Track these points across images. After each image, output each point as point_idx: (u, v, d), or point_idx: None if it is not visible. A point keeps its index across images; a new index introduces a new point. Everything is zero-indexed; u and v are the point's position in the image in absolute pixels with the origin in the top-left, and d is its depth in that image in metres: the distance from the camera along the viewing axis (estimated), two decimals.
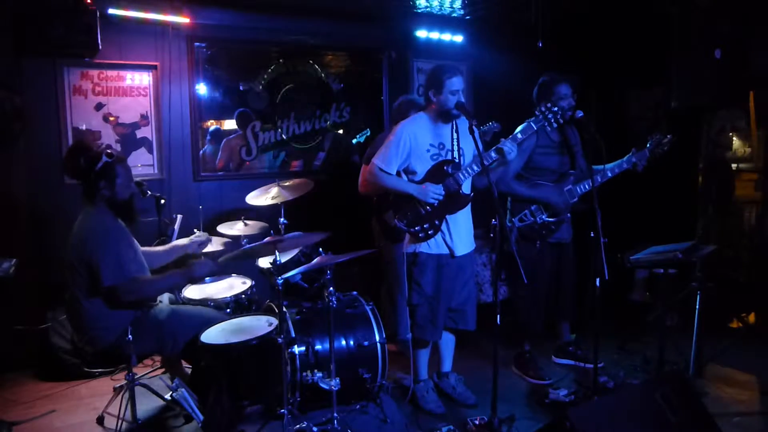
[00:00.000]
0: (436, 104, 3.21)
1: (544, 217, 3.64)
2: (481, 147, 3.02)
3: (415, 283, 3.30)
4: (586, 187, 3.65)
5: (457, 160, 3.24)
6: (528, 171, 3.71)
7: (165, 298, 3.38)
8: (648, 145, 3.67)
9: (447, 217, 3.25)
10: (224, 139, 4.90)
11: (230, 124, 4.95)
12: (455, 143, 3.26)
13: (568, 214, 3.72)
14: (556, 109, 3.16)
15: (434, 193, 3.16)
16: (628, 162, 3.66)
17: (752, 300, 4.85)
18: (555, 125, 3.21)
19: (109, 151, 2.98)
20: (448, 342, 3.55)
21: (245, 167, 4.98)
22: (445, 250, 3.29)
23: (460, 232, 3.31)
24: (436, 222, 3.23)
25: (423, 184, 3.19)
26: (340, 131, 5.39)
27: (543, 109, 3.17)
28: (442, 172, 3.22)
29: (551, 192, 3.65)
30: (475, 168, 3.19)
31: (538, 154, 3.66)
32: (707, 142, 4.44)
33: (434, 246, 3.28)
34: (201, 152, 4.77)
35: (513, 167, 3.58)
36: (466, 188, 3.28)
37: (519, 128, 3.29)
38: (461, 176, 3.20)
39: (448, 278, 3.31)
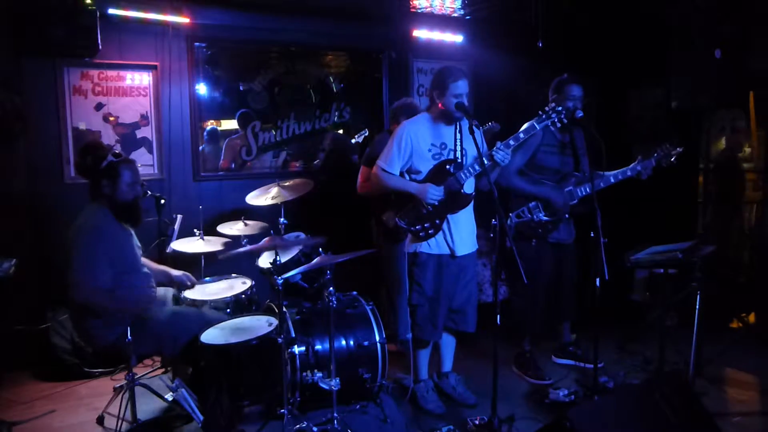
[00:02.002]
0: (438, 104, 3.23)
1: (541, 215, 3.63)
2: (482, 147, 3.01)
3: (416, 283, 3.30)
4: (587, 190, 3.64)
5: (459, 160, 3.24)
6: (530, 168, 3.70)
7: (169, 298, 3.39)
8: (655, 155, 3.65)
9: (448, 216, 3.25)
10: (227, 139, 4.91)
11: (229, 124, 4.95)
12: (458, 143, 3.26)
13: (567, 215, 3.72)
14: (560, 108, 3.16)
15: (433, 193, 3.16)
16: (633, 170, 3.64)
17: (752, 300, 4.85)
18: (558, 125, 3.20)
19: (117, 151, 3.03)
20: (448, 342, 3.55)
21: (245, 167, 4.98)
22: (446, 250, 3.29)
23: (461, 232, 3.31)
24: (437, 221, 3.23)
25: (423, 184, 3.19)
26: (340, 131, 5.39)
27: (547, 109, 3.17)
28: (443, 171, 3.22)
29: (551, 191, 3.65)
30: (477, 168, 3.19)
31: (541, 153, 3.66)
32: (707, 141, 4.44)
33: (435, 246, 3.28)
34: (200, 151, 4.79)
35: (515, 162, 3.58)
36: (468, 188, 3.28)
37: (523, 128, 3.28)
38: (463, 176, 3.20)
39: (448, 278, 3.31)
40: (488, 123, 4.21)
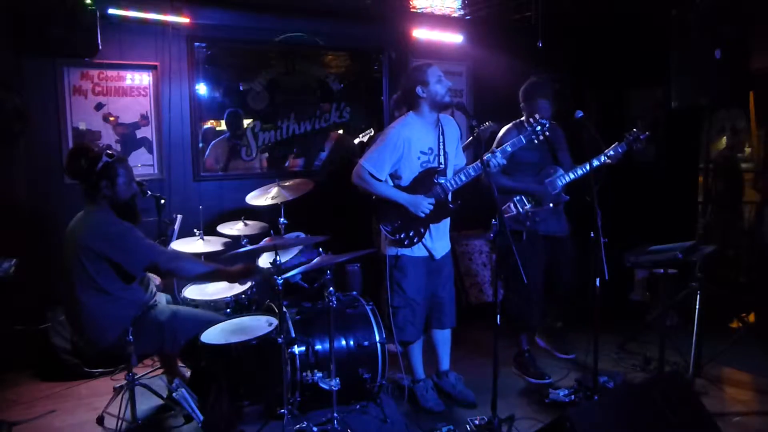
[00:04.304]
0: (428, 97, 3.20)
1: (527, 207, 3.69)
2: (459, 149, 3.06)
3: (397, 285, 3.30)
4: (566, 179, 3.69)
5: (443, 166, 3.26)
6: (511, 166, 3.74)
7: (163, 298, 3.39)
8: (625, 140, 3.69)
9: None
10: (212, 142, 4.90)
11: (211, 126, 4.96)
12: (441, 146, 3.27)
13: (551, 205, 3.74)
14: (544, 121, 3.18)
15: (425, 206, 3.17)
16: (606, 155, 3.66)
17: (752, 300, 4.85)
18: (541, 138, 3.21)
19: (109, 151, 2.99)
20: (445, 340, 3.56)
21: (244, 167, 4.98)
22: (426, 253, 3.32)
23: (440, 236, 3.35)
24: (421, 230, 3.25)
25: (415, 196, 3.19)
26: (341, 131, 5.38)
27: (532, 122, 3.19)
28: (429, 180, 3.23)
29: (534, 183, 3.73)
30: (463, 179, 3.21)
31: (520, 150, 3.68)
32: (707, 141, 4.44)
33: (417, 249, 3.30)
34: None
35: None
36: (450, 196, 3.30)
37: (507, 138, 3.32)
38: (449, 186, 3.22)
39: (429, 280, 3.35)
40: (486, 123, 4.22)
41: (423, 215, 3.18)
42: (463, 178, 3.21)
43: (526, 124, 3.22)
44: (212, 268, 3.10)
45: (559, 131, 3.87)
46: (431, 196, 3.20)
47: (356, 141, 5.33)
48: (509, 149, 3.20)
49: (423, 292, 3.33)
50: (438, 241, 3.33)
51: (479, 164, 3.11)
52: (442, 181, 3.23)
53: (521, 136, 3.20)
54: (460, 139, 3.48)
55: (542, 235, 3.76)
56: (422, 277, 3.32)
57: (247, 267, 3.08)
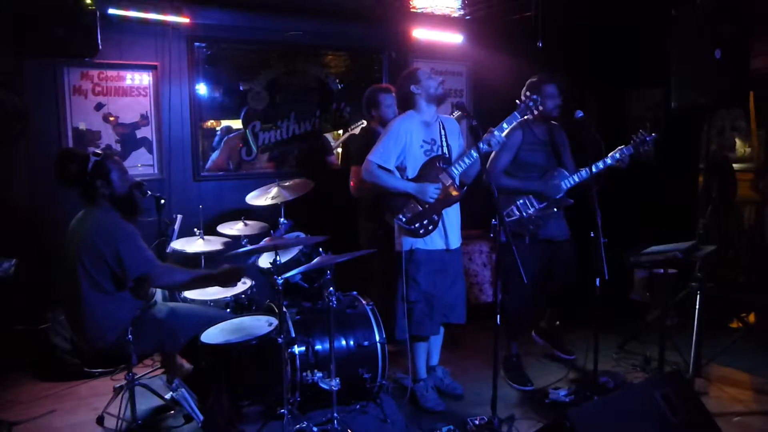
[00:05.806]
0: (423, 92, 3.33)
1: (530, 211, 3.69)
2: (460, 141, 3.19)
3: (412, 279, 3.32)
4: (571, 182, 3.70)
5: (447, 155, 3.36)
6: (516, 168, 3.77)
7: (159, 296, 3.38)
8: (632, 142, 3.67)
9: (443, 211, 3.33)
10: (225, 138, 4.91)
11: (228, 124, 4.94)
12: (443, 139, 3.38)
13: (555, 209, 3.73)
14: (535, 97, 3.24)
15: (433, 191, 3.25)
16: (612, 158, 3.65)
17: (752, 300, 4.85)
18: (535, 112, 3.25)
19: (96, 150, 2.99)
20: (436, 336, 3.58)
21: (244, 167, 4.98)
22: (441, 245, 3.36)
23: (453, 227, 3.40)
24: (434, 217, 3.31)
25: (421, 183, 3.27)
26: (341, 131, 5.37)
27: (524, 98, 3.25)
28: (435, 167, 3.32)
29: (539, 184, 3.71)
30: (467, 161, 3.30)
31: (524, 151, 3.74)
32: (707, 141, 4.44)
33: (430, 242, 3.33)
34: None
35: (501, 162, 3.71)
36: (457, 181, 3.38)
37: (505, 120, 3.35)
38: (454, 170, 3.32)
39: (443, 273, 3.38)
40: (454, 113, 4.17)
41: (432, 200, 3.25)
42: (467, 161, 3.31)
43: (518, 102, 3.25)
44: (201, 273, 3.10)
45: (563, 133, 3.89)
46: (438, 182, 3.28)
47: (348, 132, 5.30)
48: (506, 126, 3.29)
49: (438, 285, 3.36)
50: (451, 230, 3.38)
51: (483, 145, 3.20)
52: (447, 167, 3.32)
53: (516, 113, 3.25)
54: (460, 136, 3.56)
55: (541, 239, 3.74)
56: (437, 269, 3.35)
57: (234, 268, 3.08)
